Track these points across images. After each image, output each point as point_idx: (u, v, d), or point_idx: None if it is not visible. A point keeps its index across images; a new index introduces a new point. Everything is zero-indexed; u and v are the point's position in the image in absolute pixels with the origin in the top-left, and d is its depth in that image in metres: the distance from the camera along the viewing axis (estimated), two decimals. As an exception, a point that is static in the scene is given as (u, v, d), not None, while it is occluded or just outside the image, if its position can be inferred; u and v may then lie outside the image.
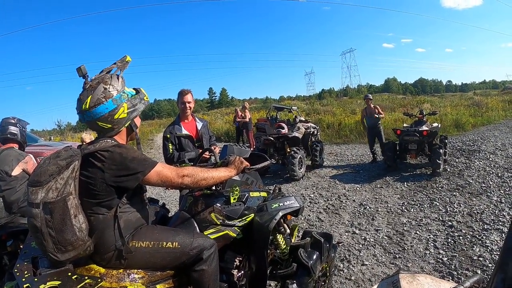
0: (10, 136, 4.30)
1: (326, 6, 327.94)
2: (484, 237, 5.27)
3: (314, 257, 3.02)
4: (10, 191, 3.96)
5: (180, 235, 2.32)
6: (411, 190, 7.85)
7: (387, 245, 5.26)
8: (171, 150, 4.72)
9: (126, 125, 2.20)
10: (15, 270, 2.02)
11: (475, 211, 6.36)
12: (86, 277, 2.02)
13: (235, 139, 17.02)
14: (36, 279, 1.93)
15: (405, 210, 6.68)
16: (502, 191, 7.47)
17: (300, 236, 3.40)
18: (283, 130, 9.92)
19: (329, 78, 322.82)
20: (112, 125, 2.13)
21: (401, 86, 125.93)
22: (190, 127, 4.91)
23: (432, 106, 27.50)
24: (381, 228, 5.85)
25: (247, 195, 2.81)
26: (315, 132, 11.57)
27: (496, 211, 6.39)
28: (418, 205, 6.91)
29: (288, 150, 9.54)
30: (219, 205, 2.67)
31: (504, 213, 6.27)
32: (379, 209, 6.75)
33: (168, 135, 4.76)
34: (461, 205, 6.75)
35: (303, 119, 12.28)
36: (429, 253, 4.91)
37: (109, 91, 2.08)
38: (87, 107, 2.05)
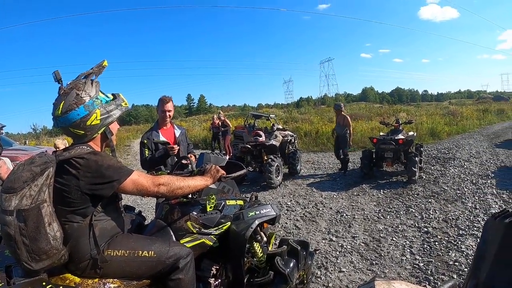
0: None
1: (306, 16, 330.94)
2: (459, 242, 5.41)
3: (291, 265, 3.05)
4: None
5: (156, 243, 2.31)
6: (387, 197, 7.98)
7: (364, 251, 5.32)
8: (147, 155, 4.71)
9: (100, 132, 2.17)
10: None
11: (451, 217, 6.51)
12: (61, 287, 2.01)
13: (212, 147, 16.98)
14: None
15: (382, 217, 6.78)
16: (476, 197, 7.69)
17: (277, 244, 3.42)
18: (260, 138, 9.96)
19: (307, 87, 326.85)
20: (85, 131, 2.11)
21: (378, 95, 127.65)
22: (168, 134, 4.89)
23: (408, 115, 27.98)
24: (358, 235, 5.91)
25: (223, 203, 2.81)
26: (293, 140, 11.64)
27: (471, 217, 6.57)
28: (394, 212, 7.02)
29: (265, 158, 9.56)
30: (195, 213, 2.67)
31: (479, 219, 6.46)
32: (356, 216, 6.83)
33: (145, 141, 4.73)
34: (437, 211, 6.89)
35: (281, 127, 12.34)
36: (405, 259, 4.99)
37: (81, 97, 2.06)
38: (59, 113, 2.03)
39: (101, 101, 2.15)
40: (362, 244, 5.56)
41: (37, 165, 1.94)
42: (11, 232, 1.84)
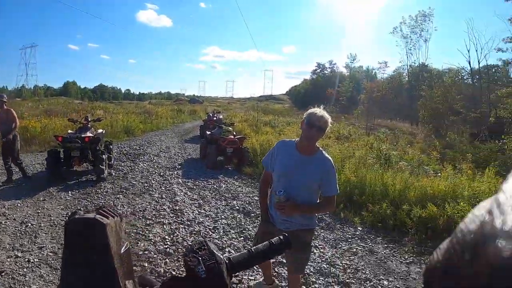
0: None
1: None
2: (147, 232, 5.79)
3: None
4: None
5: None
6: (76, 198, 7.72)
7: (53, 261, 5.01)
8: None
9: None
10: None
11: (138, 210, 6.85)
12: None
13: None
14: None
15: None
16: (163, 188, 8.34)
17: None
18: None
19: (3, 75, 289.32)
20: None
21: (80, 90, 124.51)
22: None
23: (106, 112, 28.04)
24: (45, 245, 5.50)
25: None
26: None
27: (157, 207, 7.13)
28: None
29: None
30: None
31: (165, 207, 7.12)
32: (42, 224, 6.36)
33: None
34: (125, 206, 7.11)
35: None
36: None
37: None
38: None
39: None
40: (51, 254, 5.22)
41: None
42: None
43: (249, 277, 4.57)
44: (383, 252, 5.53)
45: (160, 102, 76.63)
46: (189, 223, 6.37)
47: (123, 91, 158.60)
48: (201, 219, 6.59)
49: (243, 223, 6.50)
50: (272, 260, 4.08)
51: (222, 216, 6.81)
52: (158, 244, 5.39)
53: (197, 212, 6.97)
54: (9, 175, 8.82)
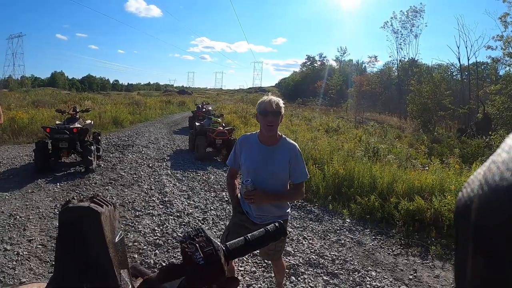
0: None
1: None
2: (136, 223, 5.82)
3: None
4: None
5: None
6: (64, 190, 7.68)
7: (42, 254, 5.00)
8: None
9: None
10: None
11: (127, 201, 6.86)
12: None
13: None
14: None
15: (57, 212, 6.47)
16: (152, 179, 8.36)
17: None
18: None
19: None
20: None
21: (68, 81, 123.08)
22: None
23: (94, 103, 27.82)
24: (34, 238, 5.48)
25: None
26: None
27: (147, 198, 7.16)
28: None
29: None
30: None
31: (154, 198, 7.15)
32: (31, 217, 6.30)
33: None
34: (114, 197, 7.11)
35: None
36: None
37: None
38: None
39: None
40: (40, 247, 5.20)
41: None
42: None
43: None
44: (371, 244, 5.60)
45: (149, 93, 76.45)
46: (178, 214, 6.39)
47: (111, 82, 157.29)
48: (190, 210, 6.62)
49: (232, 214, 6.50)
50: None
51: (211, 208, 6.84)
52: (147, 235, 5.42)
53: (186, 203, 6.99)
54: None
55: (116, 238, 0.95)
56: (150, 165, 9.76)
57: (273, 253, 3.40)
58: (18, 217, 6.30)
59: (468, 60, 40.67)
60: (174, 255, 4.93)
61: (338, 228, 6.18)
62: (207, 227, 5.80)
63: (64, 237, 0.90)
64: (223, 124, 12.19)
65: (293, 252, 5.10)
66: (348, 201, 7.15)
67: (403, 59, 58.49)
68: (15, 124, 15.14)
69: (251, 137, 3.19)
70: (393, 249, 5.47)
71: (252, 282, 4.38)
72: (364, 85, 48.87)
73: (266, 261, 4.63)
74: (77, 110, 10.02)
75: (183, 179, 8.61)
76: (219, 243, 0.96)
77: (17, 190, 7.69)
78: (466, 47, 41.04)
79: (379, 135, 17.49)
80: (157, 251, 5.03)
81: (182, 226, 5.87)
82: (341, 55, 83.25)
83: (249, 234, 1.08)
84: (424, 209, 6.20)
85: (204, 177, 8.91)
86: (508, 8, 30.34)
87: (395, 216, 6.28)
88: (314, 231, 6.05)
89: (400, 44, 58.23)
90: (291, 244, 5.42)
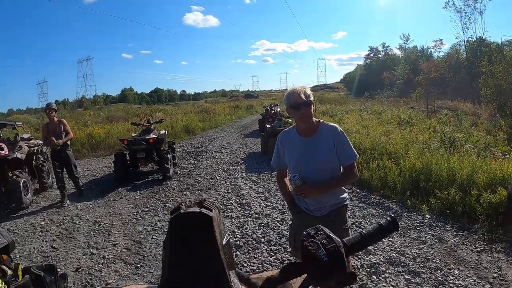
0: None
1: (67, 10, 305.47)
2: None
3: None
4: None
5: None
6: (144, 197, 8.07)
7: (126, 257, 5.27)
8: None
9: None
10: None
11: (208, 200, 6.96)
12: None
13: None
14: None
15: (140, 218, 6.82)
16: (228, 183, 8.57)
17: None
18: (2, 152, 8.74)
19: (64, 88, 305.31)
20: None
21: (137, 96, 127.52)
22: None
23: (165, 114, 28.81)
24: (118, 242, 5.81)
25: None
26: (43, 150, 10.64)
27: (225, 201, 7.35)
28: (152, 210, 7.17)
29: (10, 174, 8.47)
30: None
31: (232, 201, 7.32)
32: (114, 223, 6.69)
33: None
34: (192, 202, 7.22)
35: (27, 136, 11.20)
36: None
37: None
38: None
39: None
40: (124, 250, 5.50)
41: None
42: None
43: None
44: (452, 240, 5.32)
45: (216, 100, 77.74)
46: (256, 215, 6.48)
47: (178, 93, 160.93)
48: (268, 211, 6.67)
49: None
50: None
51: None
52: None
53: (263, 204, 7.06)
54: (62, 193, 8.12)
55: (224, 241, 1.00)
56: (225, 169, 10.01)
57: None
58: (102, 223, 6.73)
59: (544, 31, 37.69)
60: (255, 255, 5.00)
61: (418, 224, 5.94)
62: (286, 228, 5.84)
63: (177, 241, 0.96)
64: (294, 124, 12.18)
65: (373, 251, 4.95)
66: (426, 195, 6.80)
67: (470, 39, 55.03)
68: (93, 139, 16.20)
69: (290, 132, 3.08)
70: (476, 245, 5.14)
71: None
72: (432, 72, 46.75)
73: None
74: (151, 122, 10.44)
75: (259, 181, 8.72)
76: (339, 240, 0.97)
77: (100, 199, 8.19)
78: (540, 17, 37.89)
79: (453, 124, 16.68)
80: (238, 252, 5.11)
81: (261, 227, 5.93)
82: (404, 43, 79.72)
83: (364, 230, 1.09)
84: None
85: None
86: None
87: (477, 209, 5.87)
88: (394, 228, 5.86)
89: (465, 24, 54.78)
90: (371, 243, 5.26)
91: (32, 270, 2.99)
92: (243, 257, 5.00)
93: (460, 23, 55.82)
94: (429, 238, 5.41)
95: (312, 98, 2.81)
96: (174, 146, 11.16)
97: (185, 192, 8.10)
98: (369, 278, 4.29)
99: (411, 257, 4.81)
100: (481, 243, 5.20)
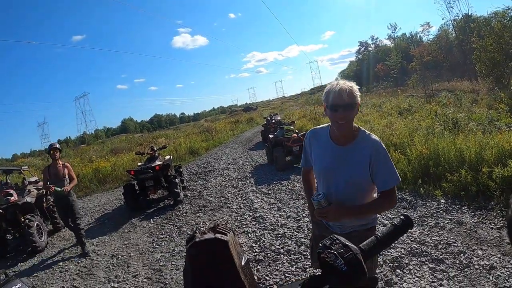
0: None
1: (58, 48, 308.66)
2: None
3: None
4: None
5: None
6: (158, 224, 8.05)
7: (148, 287, 5.26)
8: None
9: None
10: None
11: (220, 224, 6.91)
12: None
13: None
14: None
15: (157, 245, 6.80)
16: (239, 199, 8.57)
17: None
18: (11, 198, 8.74)
19: (65, 127, 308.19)
20: None
21: (138, 124, 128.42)
22: None
23: (167, 139, 28.97)
24: (138, 273, 5.79)
25: None
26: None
27: (238, 217, 7.33)
28: (168, 236, 7.14)
29: (22, 219, 8.50)
30: None
31: (246, 217, 7.28)
32: (132, 254, 6.68)
33: None
34: (206, 222, 7.32)
35: (34, 179, 11.24)
36: (189, 278, 5.09)
37: None
38: None
39: None
40: (145, 280, 5.48)
41: None
42: None
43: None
44: (471, 221, 5.28)
45: (215, 118, 77.99)
46: (272, 227, 6.44)
47: (178, 116, 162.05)
48: (283, 221, 6.63)
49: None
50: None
51: (304, 215, 6.78)
52: (246, 253, 5.41)
53: (277, 215, 7.03)
54: (80, 240, 7.33)
55: (243, 261, 0.99)
56: (235, 185, 10.02)
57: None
58: (120, 256, 6.72)
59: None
60: (276, 267, 4.96)
61: (434, 211, 5.90)
62: (302, 235, 5.81)
63: (196, 269, 0.95)
64: (296, 131, 12.21)
65: (393, 245, 4.86)
66: (438, 180, 6.78)
67: (456, 17, 54.86)
68: (100, 173, 16.28)
69: (321, 132, 2.57)
70: (495, 222, 5.10)
71: None
72: (425, 56, 46.80)
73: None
74: (155, 149, 10.47)
75: (269, 192, 8.70)
76: (355, 247, 0.97)
77: (114, 231, 8.19)
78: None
79: (454, 105, 16.66)
80: (258, 266, 5.07)
81: (279, 238, 5.89)
82: (392, 32, 79.19)
83: (379, 232, 1.08)
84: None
85: (289, 187, 8.92)
86: None
87: (491, 186, 5.82)
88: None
89: (449, 3, 54.97)
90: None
91: None
92: (264, 270, 4.96)
93: (444, 3, 55.72)
94: (447, 223, 5.37)
95: (358, 99, 2.28)
96: (181, 169, 11.21)
97: (198, 214, 8.06)
98: (393, 272, 4.25)
99: (432, 244, 4.77)
100: (500, 219, 5.16)
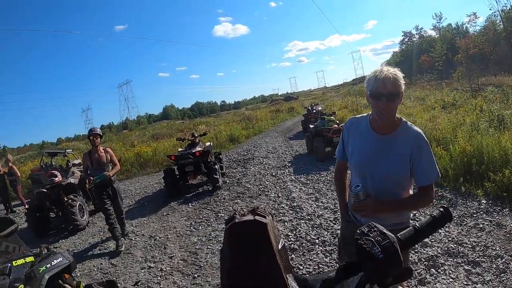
0: None
1: (101, 38, 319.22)
2: None
3: None
4: None
5: None
6: (196, 209, 8.20)
7: (184, 268, 5.37)
8: None
9: None
10: None
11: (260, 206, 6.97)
12: None
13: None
14: None
15: (194, 229, 6.93)
16: (278, 187, 8.58)
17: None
18: (56, 179, 9.14)
19: (108, 113, 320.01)
20: None
21: (179, 111, 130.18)
22: None
23: (208, 126, 29.30)
24: (174, 254, 5.93)
25: (10, 265, 2.58)
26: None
27: (276, 206, 7.34)
28: (205, 221, 7.25)
29: (66, 199, 8.86)
30: None
31: (283, 205, 7.29)
32: (169, 236, 6.84)
33: None
34: (244, 209, 7.27)
35: (78, 162, 11.64)
36: (224, 263, 5.17)
37: None
38: None
39: None
40: (181, 262, 5.60)
41: None
42: None
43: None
44: None
45: (256, 106, 78.11)
46: (309, 217, 6.42)
47: (219, 104, 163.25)
48: (320, 212, 6.60)
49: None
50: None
51: (341, 206, 6.71)
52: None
53: (315, 205, 6.99)
54: (115, 236, 6.68)
55: (280, 245, 1.01)
56: (273, 174, 10.04)
57: None
58: (157, 237, 6.89)
59: None
60: (310, 257, 4.96)
61: (474, 211, 5.66)
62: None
63: (234, 249, 0.97)
64: (337, 121, 12.09)
65: (430, 243, 4.78)
66: (480, 180, 6.49)
67: (504, 8, 52.53)
68: (141, 157, 16.71)
69: (362, 121, 2.45)
70: None
71: None
72: (471, 48, 45.21)
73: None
74: (196, 135, 10.59)
75: (308, 182, 8.66)
76: (393, 235, 0.97)
77: (154, 214, 8.40)
78: None
79: (500, 101, 16.05)
80: (293, 255, 5.08)
81: (315, 229, 5.88)
82: (437, 22, 76.16)
83: (417, 223, 1.07)
84: None
85: (328, 177, 8.85)
86: None
87: None
88: (449, 217, 5.64)
89: (498, -8, 52.72)
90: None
91: (93, 286, 3.10)
92: (298, 259, 4.97)
93: (492, -8, 53.21)
94: (487, 224, 5.15)
95: (402, 87, 2.17)
96: (221, 156, 11.40)
97: (236, 201, 8.16)
98: (428, 271, 4.14)
99: (470, 246, 4.60)
100: (543, 225, 4.90)
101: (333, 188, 7.85)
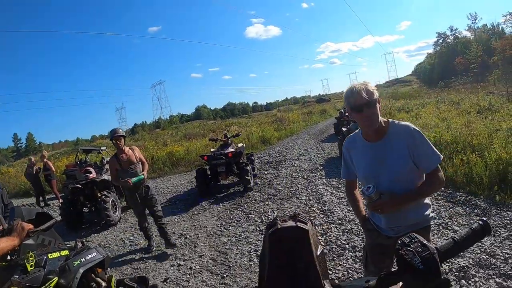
0: None
1: (136, 40, 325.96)
2: None
3: None
4: None
5: None
6: (227, 209, 8.26)
7: (213, 267, 5.42)
8: None
9: None
10: None
11: (288, 214, 6.94)
12: None
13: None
14: None
15: (224, 229, 6.99)
16: (309, 190, 8.54)
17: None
18: (90, 175, 9.41)
19: (141, 112, 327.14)
20: None
21: (211, 112, 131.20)
22: None
23: (239, 127, 29.38)
24: (204, 253, 5.99)
25: (45, 258, 2.64)
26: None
27: (307, 209, 7.30)
28: (235, 221, 7.30)
29: (99, 195, 9.09)
30: (16, 277, 2.44)
31: (314, 209, 7.25)
32: (200, 235, 6.91)
33: None
34: (274, 211, 7.40)
35: (111, 160, 11.88)
36: (253, 264, 5.25)
37: None
38: None
39: None
40: (210, 261, 5.66)
41: None
42: None
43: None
44: (548, 238, 4.86)
45: (288, 108, 78.02)
46: (340, 222, 6.37)
47: (251, 105, 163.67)
48: (351, 217, 6.52)
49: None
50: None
51: (372, 212, 6.63)
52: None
53: (346, 210, 6.91)
54: (148, 236, 6.65)
55: (318, 252, 1.02)
56: (305, 177, 10.00)
57: None
58: (188, 236, 6.98)
59: None
60: (340, 262, 4.93)
61: (509, 222, 5.41)
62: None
63: (275, 254, 0.99)
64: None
65: (462, 253, 4.62)
66: None
67: None
68: (173, 156, 16.96)
69: (356, 137, 2.64)
70: None
71: None
72: (507, 50, 43.77)
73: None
74: (228, 136, 10.66)
75: (340, 186, 8.56)
76: (433, 247, 0.98)
77: (185, 213, 8.51)
78: None
79: (539, 106, 15.58)
80: (323, 260, 5.04)
81: (345, 234, 5.83)
82: (472, 23, 74.34)
83: (456, 235, 1.08)
84: None
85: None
86: None
87: None
88: (482, 228, 5.45)
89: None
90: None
91: (125, 282, 3.17)
92: (328, 264, 4.90)
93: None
94: (522, 236, 4.97)
95: (376, 95, 2.35)
96: (253, 157, 11.46)
97: (267, 202, 8.17)
98: (458, 283, 4.03)
99: (502, 258, 4.41)
100: None
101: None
